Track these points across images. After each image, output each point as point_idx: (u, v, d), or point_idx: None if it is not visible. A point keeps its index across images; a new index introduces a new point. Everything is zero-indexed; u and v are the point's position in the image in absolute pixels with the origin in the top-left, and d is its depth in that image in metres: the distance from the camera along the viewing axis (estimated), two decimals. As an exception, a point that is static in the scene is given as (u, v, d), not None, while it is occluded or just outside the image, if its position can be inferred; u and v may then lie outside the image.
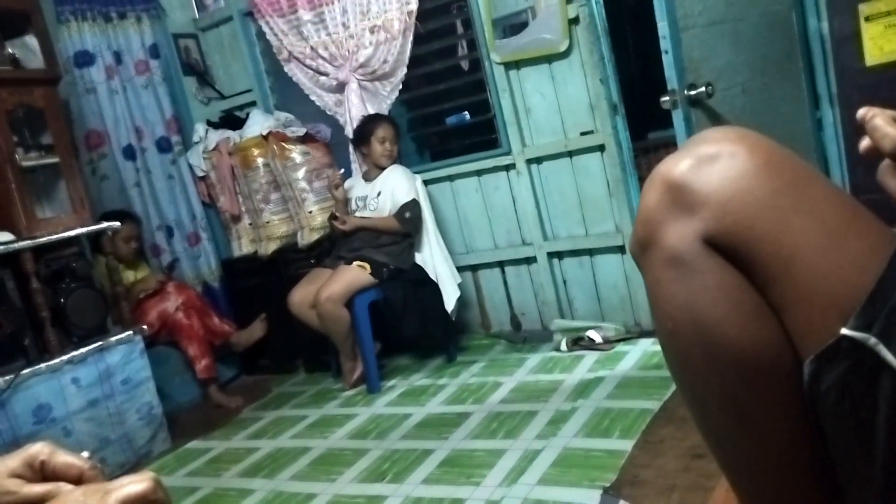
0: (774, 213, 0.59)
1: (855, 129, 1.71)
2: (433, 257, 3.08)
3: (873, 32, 1.80)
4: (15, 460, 0.65)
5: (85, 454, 0.67)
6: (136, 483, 0.53)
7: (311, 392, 3.11)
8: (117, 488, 0.52)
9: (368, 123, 3.07)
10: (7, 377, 2.36)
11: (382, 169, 3.08)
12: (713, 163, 0.62)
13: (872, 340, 0.56)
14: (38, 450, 0.66)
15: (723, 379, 0.62)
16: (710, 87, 2.01)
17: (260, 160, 3.35)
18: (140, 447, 2.72)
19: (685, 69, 2.02)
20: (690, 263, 0.61)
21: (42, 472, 0.65)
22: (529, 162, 3.04)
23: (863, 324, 0.57)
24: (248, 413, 3.03)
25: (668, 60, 1.99)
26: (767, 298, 0.61)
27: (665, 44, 1.99)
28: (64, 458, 0.65)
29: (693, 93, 2.00)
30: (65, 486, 0.63)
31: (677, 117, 2.02)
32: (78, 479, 0.64)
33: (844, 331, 0.57)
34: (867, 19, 1.80)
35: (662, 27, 1.98)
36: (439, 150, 3.71)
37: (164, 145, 3.58)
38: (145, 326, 2.89)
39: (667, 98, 2.02)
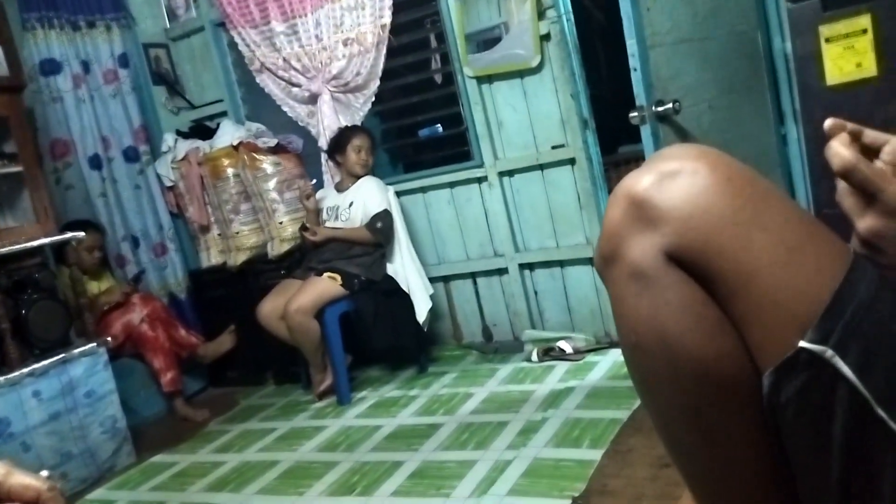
0: (734, 228, 0.60)
1: (818, 146, 1.75)
2: (405, 268, 3.08)
3: (833, 53, 1.85)
4: None
5: (44, 473, 0.65)
6: None
7: (280, 404, 3.08)
8: None
9: (346, 132, 3.08)
10: (-36, 390, 2.29)
11: (356, 178, 3.08)
12: (675, 179, 0.63)
13: (829, 353, 0.58)
14: None
15: (685, 392, 0.63)
16: (677, 104, 2.05)
17: (230, 170, 3.32)
18: (104, 461, 2.66)
19: (653, 86, 2.07)
20: (653, 278, 0.62)
21: None
22: (501, 174, 3.07)
23: (820, 337, 0.58)
24: (214, 426, 2.98)
25: (636, 77, 2.04)
26: (728, 312, 0.62)
27: (633, 61, 2.03)
28: (20, 479, 0.63)
29: (661, 109, 2.04)
30: None
31: (645, 132, 2.06)
32: (34, 501, 0.62)
33: (802, 343, 0.58)
34: (827, 41, 1.86)
35: (631, 45, 2.03)
36: (412, 162, 3.73)
37: (131, 155, 3.52)
38: (109, 339, 2.83)
39: (635, 114, 2.06)
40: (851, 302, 0.59)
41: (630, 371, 0.70)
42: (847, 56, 1.84)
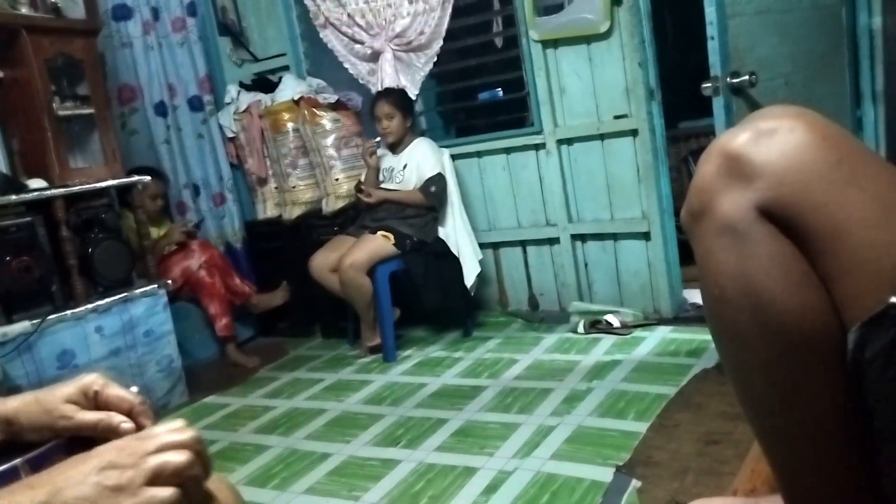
0: (829, 185, 0.61)
1: None
2: (456, 232, 3.09)
3: (926, 29, 1.76)
4: (71, 387, 0.68)
5: (134, 389, 0.69)
6: (176, 452, 0.52)
7: (327, 357, 3.15)
8: (155, 452, 0.52)
9: (375, 98, 3.08)
10: (34, 321, 2.41)
11: (410, 140, 3.08)
12: (771, 136, 0.63)
13: None
14: (93, 380, 0.68)
15: (766, 345, 0.63)
16: (753, 77, 1.99)
17: (290, 125, 3.36)
18: (158, 399, 2.78)
19: (729, 56, 2.00)
20: (743, 232, 0.63)
21: (95, 402, 0.66)
22: (560, 142, 3.03)
23: None
24: (264, 373, 3.08)
25: (713, 46, 1.97)
26: (817, 268, 0.62)
27: (711, 29, 1.96)
28: (116, 391, 0.67)
29: (736, 81, 1.98)
30: (116, 417, 0.65)
31: (717, 104, 2.00)
32: (128, 412, 0.66)
33: (894, 299, 0.58)
34: (921, 16, 1.77)
35: (710, 13, 1.96)
36: (466, 127, 3.71)
37: (195, 104, 3.59)
38: (169, 281, 2.93)
39: (709, 84, 2.00)
40: None
41: (710, 324, 0.70)
42: (942, 33, 1.75)
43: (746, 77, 1.97)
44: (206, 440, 0.56)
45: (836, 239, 0.60)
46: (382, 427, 2.26)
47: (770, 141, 0.63)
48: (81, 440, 0.66)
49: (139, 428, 0.66)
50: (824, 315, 0.61)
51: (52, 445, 0.66)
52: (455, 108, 3.75)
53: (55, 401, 0.67)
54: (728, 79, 1.98)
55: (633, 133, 2.83)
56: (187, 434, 0.55)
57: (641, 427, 1.96)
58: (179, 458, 0.53)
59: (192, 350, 3.23)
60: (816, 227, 0.61)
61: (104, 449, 0.54)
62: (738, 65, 2.01)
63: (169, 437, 0.54)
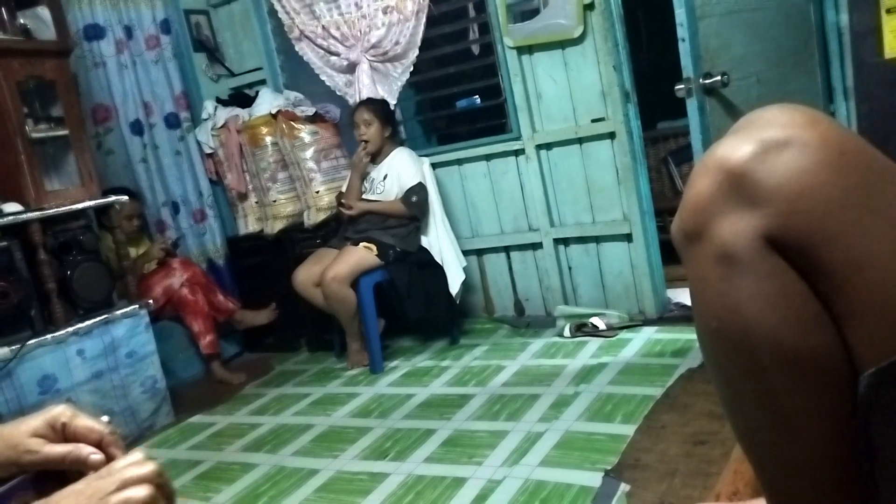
0: (847, 213, 0.54)
1: (872, 123, 1.70)
2: (439, 240, 3.08)
3: (894, 25, 1.79)
4: (37, 420, 0.66)
5: (104, 419, 0.67)
6: (138, 488, 0.52)
7: (314, 371, 3.13)
8: (116, 490, 0.52)
9: (354, 108, 3.07)
10: (13, 347, 2.37)
11: (389, 149, 3.07)
12: (781, 151, 0.56)
13: None
14: (60, 412, 0.66)
15: (770, 389, 0.58)
16: (725, 77, 2.00)
17: (268, 139, 3.34)
18: (143, 420, 2.74)
19: (701, 57, 2.02)
20: (746, 263, 0.56)
21: (63, 434, 0.65)
22: (539, 147, 3.04)
23: None
24: (250, 389, 3.05)
25: (684, 48, 1.99)
26: (830, 307, 0.56)
27: (682, 31, 1.98)
28: (84, 422, 0.65)
29: (708, 81, 2.00)
30: (84, 449, 0.63)
31: (691, 106, 2.01)
32: (98, 443, 0.65)
33: None
34: (888, 11, 1.79)
35: (680, 14, 1.97)
36: (447, 134, 3.71)
37: (172, 121, 3.57)
38: (151, 301, 2.90)
39: (682, 86, 2.01)
40: None
41: (705, 356, 0.65)
42: (908, 28, 1.78)
43: (719, 77, 1.99)
44: (167, 472, 0.55)
45: (853, 275, 0.54)
46: (370, 440, 2.24)
47: (780, 158, 0.56)
48: (50, 474, 0.64)
49: (109, 459, 0.64)
50: (836, 359, 0.56)
51: (19, 481, 0.65)
52: (435, 117, 3.75)
53: (20, 435, 0.65)
54: (701, 80, 1.99)
55: (611, 136, 2.85)
56: (147, 468, 0.54)
57: (629, 430, 1.95)
58: (141, 493, 0.52)
59: (176, 369, 3.19)
60: (831, 262, 0.55)
61: (64, 494, 0.52)
62: (710, 65, 2.03)
63: (129, 473, 0.53)
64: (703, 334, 0.64)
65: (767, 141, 0.57)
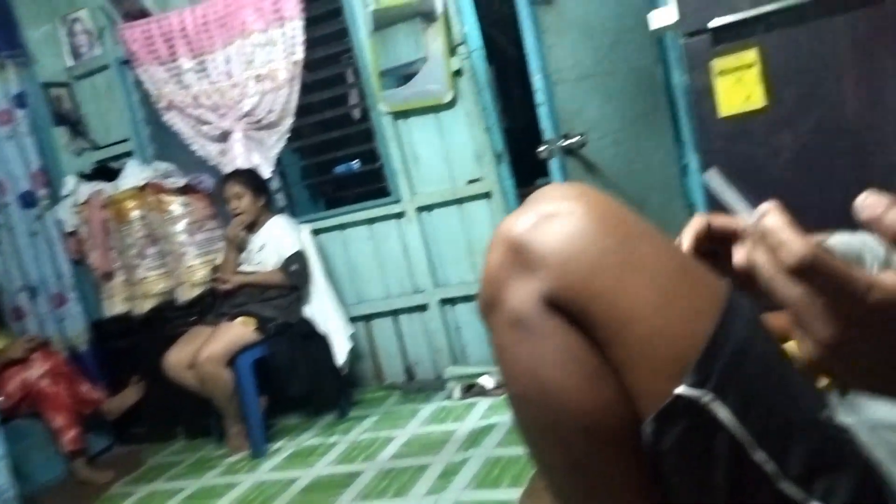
0: (609, 271, 0.58)
1: None
2: (322, 309, 2.98)
3: (724, 86, 1.92)
4: None
5: None
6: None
7: (190, 461, 2.89)
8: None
9: (224, 180, 2.96)
10: None
11: (265, 219, 2.98)
12: (551, 221, 0.61)
13: (707, 397, 0.55)
14: None
15: (567, 443, 0.60)
16: (582, 138, 2.08)
17: (135, 213, 3.15)
18: (-12, 537, 2.42)
19: (559, 120, 2.09)
20: (532, 325, 0.60)
21: None
22: (419, 210, 3.04)
23: (698, 381, 0.56)
24: (118, 488, 2.77)
25: (542, 112, 2.06)
26: (609, 359, 0.59)
27: (540, 96, 2.05)
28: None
29: (567, 143, 2.07)
30: None
31: (553, 166, 2.08)
32: None
33: (679, 390, 0.56)
34: (720, 74, 1.93)
35: (536, 80, 2.05)
36: (334, 199, 3.66)
37: (28, 200, 3.31)
38: (2, 398, 2.61)
39: (543, 148, 2.07)
40: (728, 343, 0.56)
41: (515, 421, 0.67)
42: (737, 89, 1.91)
43: (577, 138, 2.06)
44: None
45: (621, 328, 0.58)
46: (247, 534, 2.07)
47: (550, 226, 0.60)
48: None
49: None
50: (620, 408, 0.59)
51: None
52: (321, 182, 3.70)
53: None
54: (560, 142, 2.06)
55: (487, 195, 2.89)
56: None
57: (515, 494, 1.91)
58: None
59: (32, 473, 2.86)
60: (601, 317, 0.58)
61: None
62: (569, 127, 2.11)
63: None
64: (510, 401, 0.66)
65: (541, 213, 0.62)
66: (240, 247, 2.96)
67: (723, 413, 0.55)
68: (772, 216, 0.42)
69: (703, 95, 2.01)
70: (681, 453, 0.57)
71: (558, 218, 0.61)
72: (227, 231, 2.94)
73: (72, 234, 3.39)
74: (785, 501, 0.55)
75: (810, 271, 0.40)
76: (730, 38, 1.90)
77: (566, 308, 0.59)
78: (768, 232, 0.41)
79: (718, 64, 1.97)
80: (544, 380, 0.59)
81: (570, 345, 0.59)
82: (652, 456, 0.58)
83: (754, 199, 0.47)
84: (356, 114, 3.43)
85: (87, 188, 3.32)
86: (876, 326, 0.41)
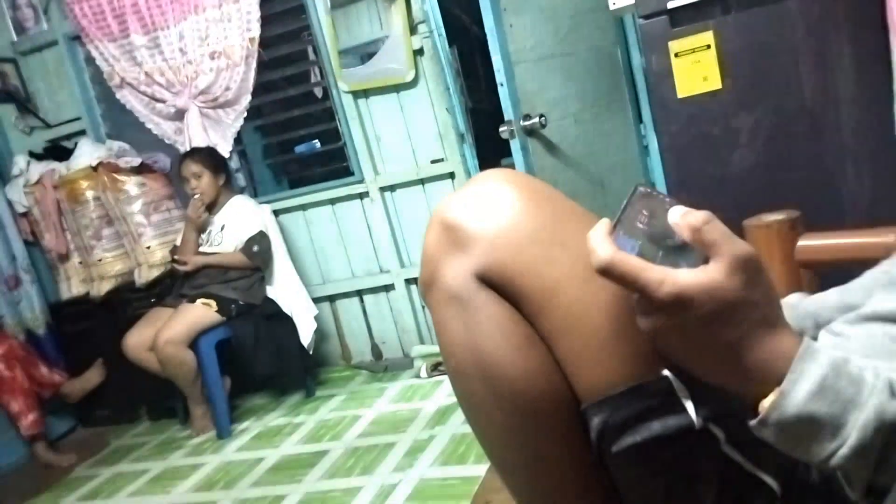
0: (536, 247, 0.61)
1: (673, 156, 1.81)
2: (286, 290, 2.97)
3: (682, 68, 1.95)
4: None
5: None
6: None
7: (155, 443, 2.87)
8: None
9: (181, 159, 2.91)
10: None
11: (225, 199, 2.93)
12: (482, 200, 0.64)
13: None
14: None
15: (502, 411, 0.63)
16: (543, 119, 2.09)
17: (89, 193, 3.07)
18: (-54, 525, 2.38)
19: (520, 101, 2.10)
20: (466, 300, 0.63)
21: None
22: (383, 190, 3.03)
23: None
24: (81, 471, 2.74)
25: (503, 92, 2.06)
26: (538, 330, 0.62)
27: (500, 76, 2.05)
28: None
29: (528, 123, 2.08)
30: None
31: (515, 146, 2.09)
32: None
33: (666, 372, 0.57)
34: (677, 55, 1.96)
35: (497, 61, 2.05)
36: (297, 178, 3.61)
37: (-24, 180, 3.20)
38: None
39: (504, 128, 2.08)
40: None
41: (456, 396, 0.69)
42: (694, 70, 1.94)
43: (537, 119, 2.08)
44: None
45: (548, 299, 0.60)
46: (213, 516, 2.08)
47: (480, 206, 0.64)
48: None
49: None
50: (549, 375, 0.61)
51: None
52: (285, 161, 3.65)
53: None
54: (521, 121, 2.07)
55: (451, 175, 2.90)
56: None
57: (481, 470, 1.95)
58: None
59: (-9, 459, 2.81)
60: (529, 289, 0.61)
61: None
62: (530, 108, 2.12)
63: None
64: (449, 375, 0.69)
65: (471, 194, 0.65)
66: (201, 227, 2.91)
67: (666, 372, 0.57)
68: (594, 230, 0.52)
69: (661, 77, 2.04)
70: (617, 434, 0.58)
71: (488, 198, 0.64)
72: (188, 211, 2.88)
73: (24, 214, 3.29)
74: (730, 465, 0.58)
75: (610, 271, 0.50)
76: (687, 19, 1.93)
77: (497, 283, 0.62)
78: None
79: (676, 45, 2.00)
80: (478, 350, 0.62)
81: (500, 316, 0.62)
82: (596, 438, 0.60)
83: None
84: (318, 92, 3.38)
85: (39, 167, 3.22)
86: (676, 315, 0.49)
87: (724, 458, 0.58)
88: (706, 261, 0.50)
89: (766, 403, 0.49)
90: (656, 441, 0.58)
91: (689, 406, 0.57)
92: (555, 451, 0.63)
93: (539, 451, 0.63)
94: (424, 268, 0.67)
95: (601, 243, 0.51)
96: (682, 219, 0.50)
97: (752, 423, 0.50)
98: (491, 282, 0.62)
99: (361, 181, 3.04)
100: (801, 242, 1.10)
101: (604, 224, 0.53)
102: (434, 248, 0.65)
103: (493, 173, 0.67)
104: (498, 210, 0.63)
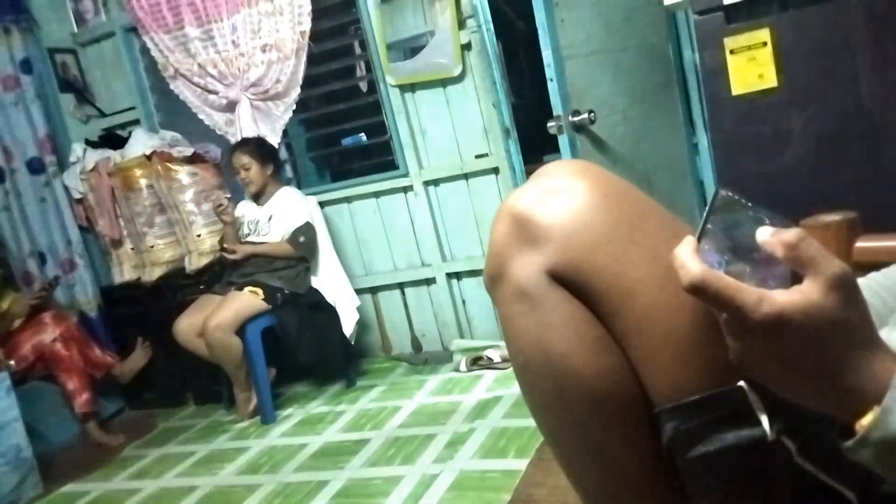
0: (613, 246, 0.60)
1: (726, 155, 1.78)
2: (330, 280, 3.02)
3: (737, 65, 1.92)
4: None
5: None
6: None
7: (201, 426, 2.95)
8: None
9: (231, 150, 2.98)
10: None
11: (273, 190, 2.99)
12: (555, 196, 0.62)
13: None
14: None
15: (572, 411, 0.62)
16: (592, 114, 2.09)
17: (143, 181, 3.17)
18: (6, 495, 2.48)
19: (569, 96, 2.10)
20: (536, 297, 0.62)
21: None
22: (426, 184, 3.05)
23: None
24: (130, 451, 2.84)
25: (553, 87, 2.06)
26: (611, 330, 0.61)
27: (550, 72, 2.05)
28: None
29: (577, 119, 2.07)
30: None
31: (563, 142, 2.08)
32: None
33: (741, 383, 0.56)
34: (732, 52, 1.93)
35: (547, 56, 2.05)
36: (340, 171, 3.66)
37: (36, 166, 3.33)
38: (13, 362, 2.66)
39: (553, 123, 2.08)
40: None
41: (522, 393, 0.69)
42: (750, 67, 1.91)
43: (586, 115, 2.07)
44: None
45: (623, 301, 0.59)
46: (259, 498, 2.13)
47: (555, 201, 0.62)
48: None
49: None
50: (622, 376, 0.61)
51: None
52: (328, 154, 3.71)
53: None
54: (570, 117, 2.07)
55: (495, 171, 2.90)
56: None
57: (522, 464, 1.96)
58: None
59: (47, 434, 2.93)
60: (604, 290, 0.60)
61: None
62: (578, 103, 2.11)
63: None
64: (516, 372, 0.68)
65: (546, 188, 0.63)
66: (234, 224, 2.98)
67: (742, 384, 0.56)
68: (680, 246, 0.49)
69: (714, 74, 2.01)
70: (691, 439, 0.58)
71: (563, 193, 0.62)
72: (216, 214, 2.95)
73: (80, 201, 3.41)
74: (803, 477, 0.57)
75: (702, 291, 0.47)
76: (743, 16, 1.89)
77: (569, 281, 0.61)
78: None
79: (731, 42, 1.97)
80: (548, 349, 0.61)
81: (573, 316, 0.61)
82: (665, 440, 0.59)
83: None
84: (364, 86, 3.42)
85: (95, 155, 3.33)
86: (773, 338, 0.46)
87: (797, 470, 0.57)
88: (796, 278, 0.48)
89: (864, 422, 0.46)
90: (728, 451, 0.57)
91: (764, 419, 0.56)
92: (625, 452, 0.62)
93: (609, 451, 0.62)
94: (492, 261, 0.65)
95: (690, 259, 0.48)
96: (774, 236, 0.48)
97: (849, 443, 0.47)
98: (563, 280, 0.61)
99: (406, 174, 3.07)
100: (860, 244, 1.08)
101: (690, 241, 0.50)
102: (503, 241, 0.64)
103: (565, 165, 0.66)
104: (572, 205, 0.61)
